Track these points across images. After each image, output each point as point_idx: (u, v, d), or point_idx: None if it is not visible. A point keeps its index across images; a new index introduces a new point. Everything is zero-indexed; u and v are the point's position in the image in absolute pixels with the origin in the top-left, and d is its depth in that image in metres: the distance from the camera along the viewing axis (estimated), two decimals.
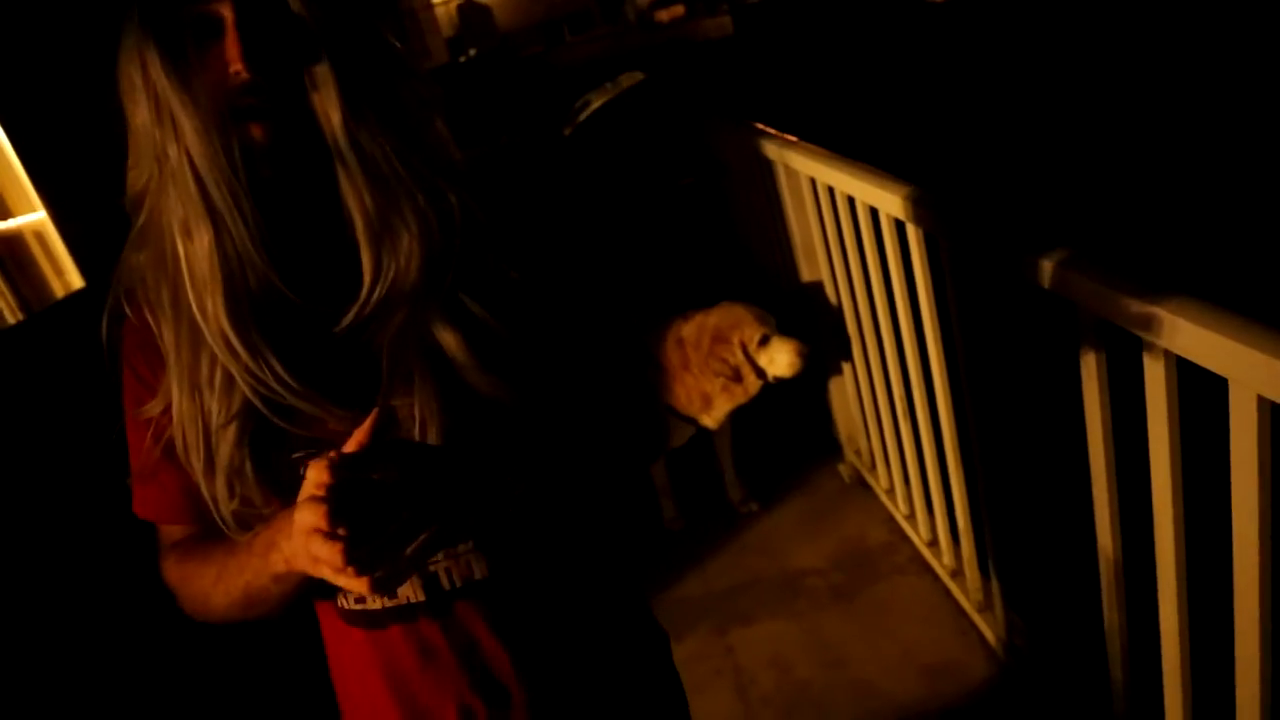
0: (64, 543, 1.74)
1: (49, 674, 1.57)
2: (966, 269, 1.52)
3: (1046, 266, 1.17)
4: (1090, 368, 1.19)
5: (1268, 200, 3.00)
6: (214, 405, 0.74)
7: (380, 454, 0.65)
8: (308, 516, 0.62)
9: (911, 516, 2.16)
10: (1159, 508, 1.10)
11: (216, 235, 0.71)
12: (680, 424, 2.31)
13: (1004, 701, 1.74)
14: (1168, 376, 1.02)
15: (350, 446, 0.64)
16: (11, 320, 2.82)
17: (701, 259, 3.08)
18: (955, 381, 1.65)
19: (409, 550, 0.64)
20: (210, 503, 0.76)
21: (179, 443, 0.76)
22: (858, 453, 2.48)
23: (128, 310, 0.79)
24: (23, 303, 3.11)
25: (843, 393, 2.44)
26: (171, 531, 0.86)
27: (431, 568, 0.80)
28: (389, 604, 0.81)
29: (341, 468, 0.62)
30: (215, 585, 0.78)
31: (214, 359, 0.73)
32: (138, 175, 0.75)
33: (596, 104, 3.41)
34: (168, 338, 0.76)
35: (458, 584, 0.80)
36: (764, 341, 2.18)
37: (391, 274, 0.74)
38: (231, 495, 0.75)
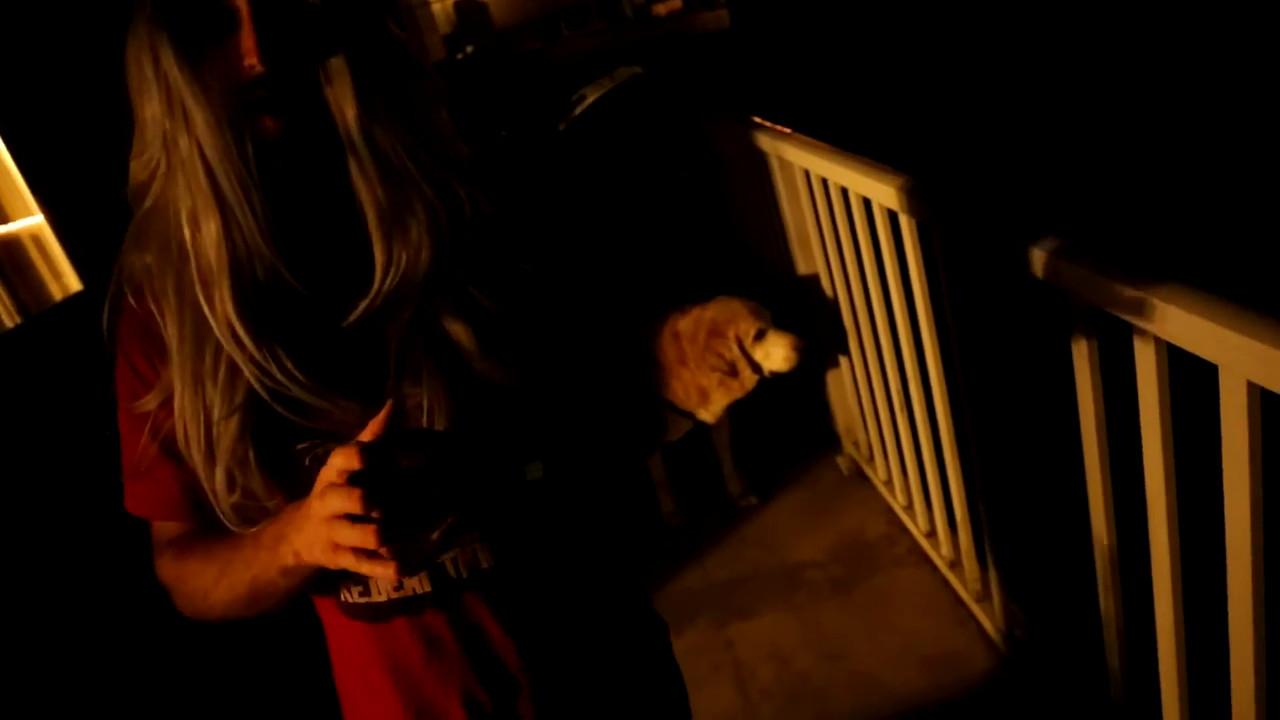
0: (62, 544, 1.75)
1: (43, 676, 1.57)
2: (960, 259, 1.52)
3: (1037, 255, 1.17)
4: (1082, 356, 1.18)
5: (1256, 188, 2.99)
6: (217, 397, 0.73)
7: (405, 440, 0.65)
8: (335, 502, 0.62)
9: (910, 508, 2.16)
10: (1152, 495, 1.10)
11: (225, 226, 0.71)
12: (677, 418, 2.31)
13: (1003, 691, 1.74)
14: (1159, 363, 1.01)
15: (366, 437, 0.64)
16: (9, 324, 2.82)
17: (698, 253, 3.07)
18: (950, 372, 1.65)
19: (437, 533, 0.64)
20: (211, 496, 0.76)
21: (180, 435, 0.75)
22: (856, 445, 2.48)
23: (130, 300, 0.78)
24: (20, 306, 3.12)
25: (840, 385, 2.43)
26: (166, 528, 0.85)
27: (439, 557, 0.80)
28: (394, 596, 0.81)
29: (373, 453, 0.62)
30: (218, 581, 0.78)
31: (218, 350, 0.73)
32: (142, 164, 0.74)
33: (591, 98, 3.41)
34: (171, 328, 0.75)
35: (464, 574, 0.80)
36: (760, 336, 2.18)
37: (403, 266, 0.74)
38: (232, 488, 0.75)
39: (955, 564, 1.96)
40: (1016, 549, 1.73)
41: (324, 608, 0.87)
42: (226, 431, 0.74)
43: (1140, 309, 0.98)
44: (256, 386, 0.73)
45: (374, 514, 0.61)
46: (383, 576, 0.64)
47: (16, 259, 3.31)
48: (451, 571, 0.80)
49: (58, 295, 3.26)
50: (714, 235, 3.13)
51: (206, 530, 0.81)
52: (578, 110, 3.44)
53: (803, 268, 2.37)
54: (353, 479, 0.62)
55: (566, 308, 0.83)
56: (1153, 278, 0.98)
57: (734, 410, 2.38)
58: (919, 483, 2.02)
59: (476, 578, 0.81)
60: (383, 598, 0.81)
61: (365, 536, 0.62)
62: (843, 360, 2.33)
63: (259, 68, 0.68)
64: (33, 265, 3.39)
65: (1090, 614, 1.38)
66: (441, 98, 0.78)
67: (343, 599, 0.83)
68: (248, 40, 0.68)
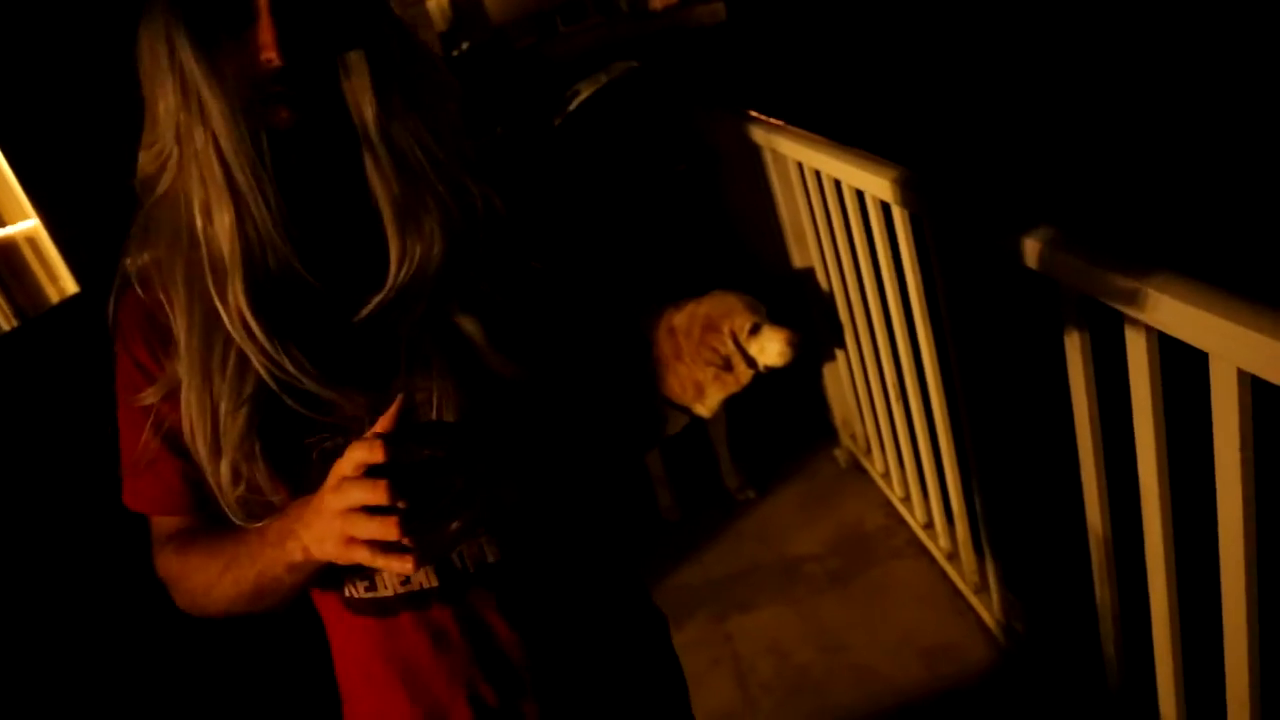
0: (59, 547, 1.75)
1: (38, 674, 1.57)
2: (953, 250, 1.51)
3: (1028, 245, 1.16)
4: (1074, 345, 1.18)
5: (1245, 177, 2.99)
6: (225, 389, 0.73)
7: (424, 433, 0.66)
8: (355, 495, 0.62)
9: (907, 500, 2.15)
10: (1145, 483, 1.09)
11: (238, 218, 0.71)
12: (674, 413, 2.31)
13: (1002, 681, 1.74)
14: (1149, 351, 1.01)
15: (378, 431, 0.64)
16: (6, 327, 2.82)
17: (694, 246, 3.07)
18: (945, 363, 1.65)
19: (456, 524, 0.65)
20: (215, 490, 0.75)
21: (186, 428, 0.75)
22: (853, 437, 2.48)
23: (138, 289, 0.77)
24: (17, 310, 3.12)
25: (837, 378, 2.43)
26: (166, 523, 0.84)
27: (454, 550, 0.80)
28: (401, 591, 0.80)
29: (395, 445, 0.62)
30: (221, 577, 0.77)
31: (228, 342, 0.73)
32: (153, 156, 0.74)
33: (586, 93, 3.40)
34: (180, 320, 0.74)
35: (470, 568, 0.80)
36: (755, 330, 2.17)
37: (416, 261, 0.74)
38: (237, 482, 0.75)
39: (953, 555, 1.96)
40: (1014, 540, 1.72)
41: (326, 603, 0.86)
42: (234, 424, 0.73)
43: (1130, 297, 0.98)
44: (266, 379, 0.72)
45: (400, 504, 0.62)
46: (398, 570, 0.64)
47: (12, 262, 3.31)
48: (458, 565, 0.80)
49: (54, 298, 3.27)
50: (710, 229, 3.13)
51: (207, 525, 0.80)
52: (572, 105, 3.43)
53: (798, 261, 2.37)
54: (375, 471, 0.62)
55: (570, 303, 0.83)
56: (1143, 266, 0.98)
57: (731, 404, 2.37)
58: (916, 475, 2.02)
59: (482, 572, 0.81)
60: (389, 593, 0.81)
61: (386, 529, 0.62)
62: (839, 353, 2.33)
63: (277, 61, 0.67)
64: (29, 268, 3.39)
65: (1087, 604, 1.38)
66: (453, 93, 0.78)
67: (347, 594, 0.82)
68: (266, 34, 0.67)
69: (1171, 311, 0.93)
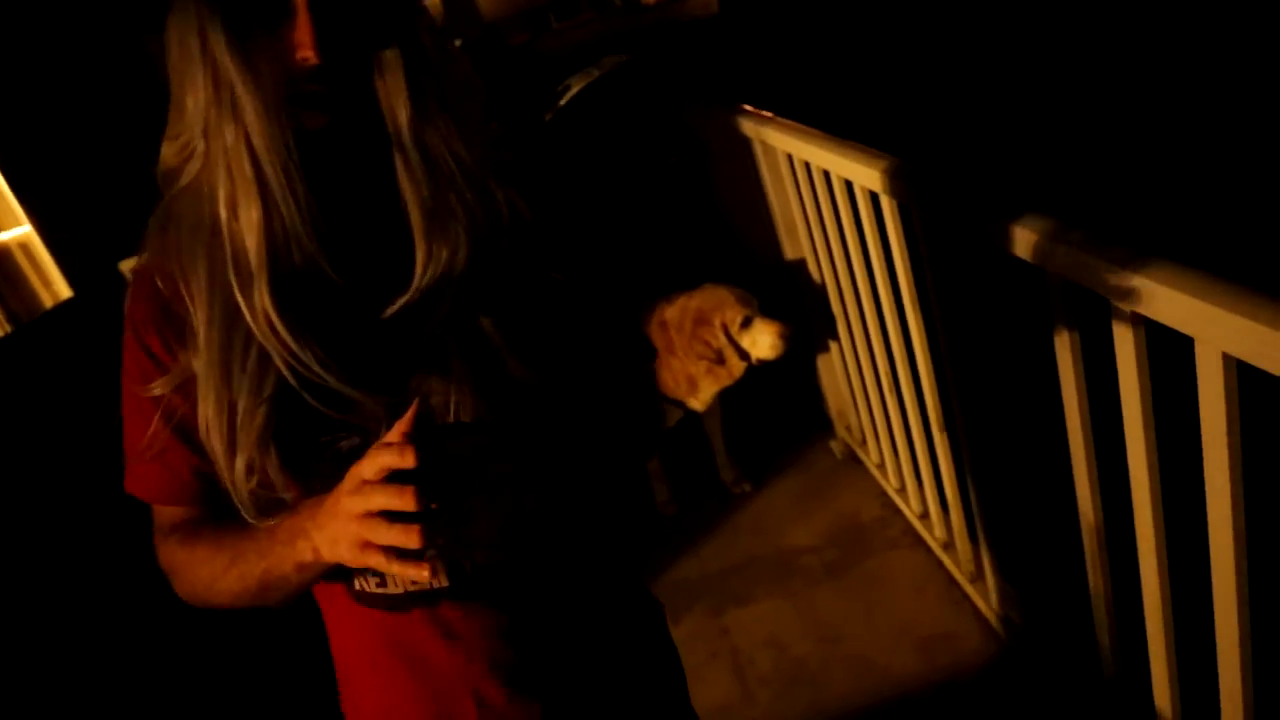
0: (54, 548, 1.75)
1: (32, 672, 1.57)
2: (942, 240, 1.51)
3: (1014, 233, 1.16)
4: (1062, 332, 1.18)
5: (1231, 164, 2.98)
6: (245, 386, 0.72)
7: (447, 438, 0.64)
8: (378, 499, 0.62)
9: (902, 490, 2.15)
10: (1134, 469, 1.09)
11: (266, 215, 0.70)
12: (668, 407, 2.30)
13: (998, 670, 1.74)
14: (1136, 338, 1.01)
15: (394, 437, 0.63)
16: (0, 333, 2.82)
17: (686, 239, 3.06)
18: (936, 353, 1.64)
19: (478, 533, 0.64)
20: (229, 485, 0.74)
21: (201, 423, 0.74)
22: (848, 428, 2.47)
23: (157, 281, 0.76)
24: (11, 315, 3.12)
25: (831, 369, 2.42)
26: (170, 513, 0.83)
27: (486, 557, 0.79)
28: (412, 588, 0.80)
29: (425, 452, 0.61)
30: (227, 571, 0.77)
31: (248, 338, 0.72)
32: (177, 148, 0.73)
33: (577, 88, 3.39)
34: (200, 313, 0.73)
35: (481, 568, 0.80)
36: (746, 324, 2.17)
37: (441, 264, 0.74)
38: (250, 477, 0.74)
39: (948, 545, 1.96)
40: (1009, 529, 1.72)
41: (329, 594, 0.85)
42: (252, 422, 0.73)
43: (1115, 284, 0.98)
44: (288, 375, 0.72)
45: (432, 507, 0.61)
46: (415, 577, 0.63)
47: (6, 269, 3.31)
48: (468, 567, 0.80)
49: (48, 303, 3.26)
50: (702, 222, 3.12)
51: (212, 518, 0.80)
52: (563, 100, 3.42)
53: (790, 253, 2.36)
54: (401, 477, 0.61)
55: (581, 308, 0.84)
56: (1127, 252, 0.98)
57: (725, 397, 2.37)
58: (910, 465, 2.02)
59: (492, 571, 0.81)
60: (399, 590, 0.81)
61: (409, 536, 0.61)
62: (833, 344, 2.32)
63: (313, 60, 0.66)
64: (23, 274, 3.40)
65: (1082, 592, 1.37)
66: (480, 96, 0.78)
67: (358, 588, 0.82)
68: (303, 32, 0.66)
69: (1156, 297, 0.93)
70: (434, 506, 0.61)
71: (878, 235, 1.67)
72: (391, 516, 0.62)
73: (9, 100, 2.56)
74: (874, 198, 1.63)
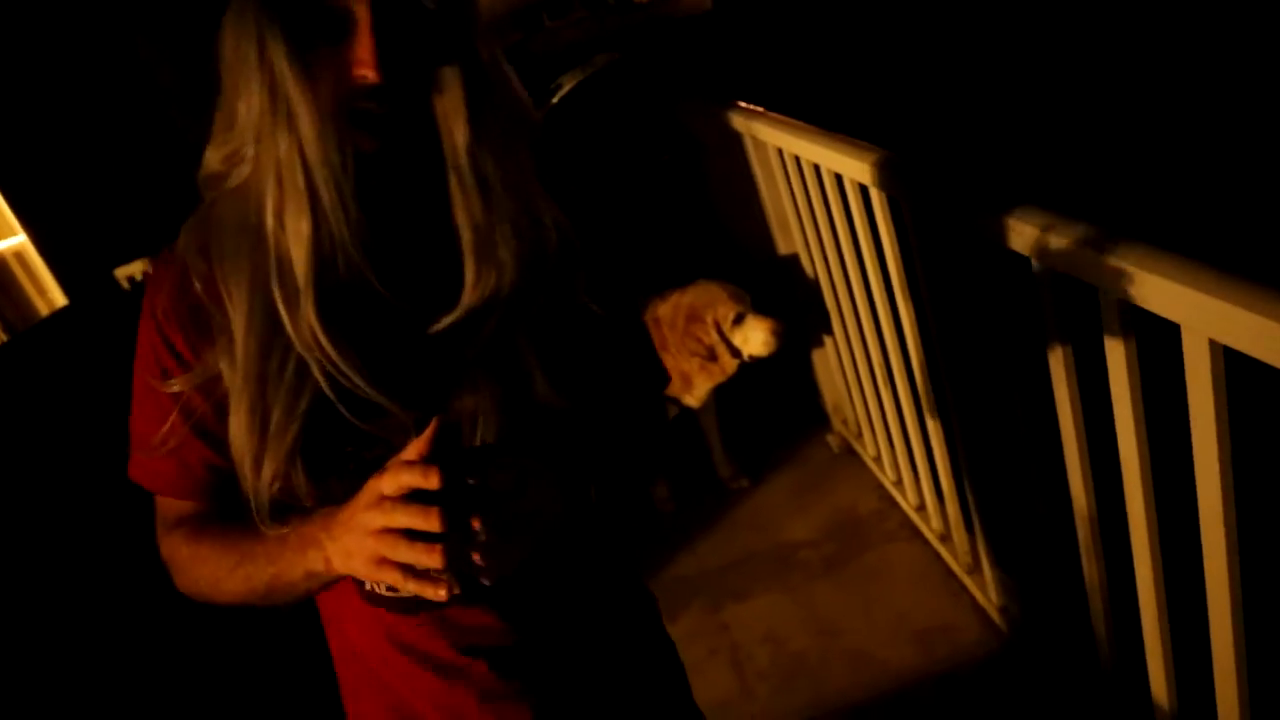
0: (50, 558, 1.75)
1: (25, 685, 1.57)
2: (931, 231, 1.50)
3: (1001, 223, 1.16)
4: (1051, 321, 1.17)
5: (1214, 151, 2.98)
6: (280, 399, 0.72)
7: (473, 460, 0.64)
8: (400, 517, 0.61)
9: (899, 483, 2.15)
10: (1125, 456, 1.09)
11: (315, 229, 0.69)
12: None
13: (996, 661, 1.74)
14: (1123, 324, 1.01)
15: (411, 455, 0.63)
16: None
17: (680, 236, 3.05)
18: (928, 345, 1.64)
19: (499, 556, 0.64)
20: (249, 490, 0.74)
21: (233, 431, 0.73)
22: (844, 422, 2.47)
23: (194, 280, 0.75)
24: (7, 324, 3.12)
25: (826, 363, 2.42)
26: (177, 505, 0.83)
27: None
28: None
29: (450, 474, 0.61)
30: (234, 571, 0.76)
31: (287, 349, 0.71)
32: (224, 155, 0.73)
33: (568, 86, 3.38)
34: (237, 320, 0.72)
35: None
36: (738, 320, 2.17)
37: (489, 288, 0.73)
38: (274, 485, 0.73)
39: (945, 537, 1.95)
40: (1004, 520, 1.72)
41: (341, 594, 0.84)
42: (284, 433, 0.72)
43: (1102, 271, 0.97)
44: (325, 387, 0.71)
45: (474, 524, 0.61)
46: (431, 597, 0.63)
47: (2, 278, 3.32)
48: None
49: (44, 311, 3.27)
50: (696, 218, 3.12)
51: (220, 515, 0.80)
52: (555, 99, 3.41)
53: (783, 248, 2.36)
54: (425, 497, 0.61)
55: (605, 330, 0.84)
56: (1114, 240, 0.97)
57: (721, 393, 2.37)
58: (906, 457, 2.01)
59: (502, 580, 0.81)
60: (410, 593, 0.81)
61: (431, 557, 0.61)
62: (827, 338, 2.32)
63: (374, 79, 0.65)
64: (18, 283, 3.40)
65: (1079, 582, 1.37)
66: (530, 111, 0.77)
67: (368, 588, 0.82)
68: (365, 50, 0.65)
69: (1142, 284, 0.93)
70: (475, 524, 0.61)
71: (868, 228, 1.67)
72: (410, 535, 0.61)
73: (1, 110, 2.56)
74: (864, 191, 1.63)
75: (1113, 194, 2.82)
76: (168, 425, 0.76)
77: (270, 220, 0.71)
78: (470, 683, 0.83)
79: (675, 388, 2.27)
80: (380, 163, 0.70)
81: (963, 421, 1.65)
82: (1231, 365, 0.88)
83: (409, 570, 0.62)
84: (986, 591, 1.80)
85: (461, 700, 0.84)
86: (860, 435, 2.37)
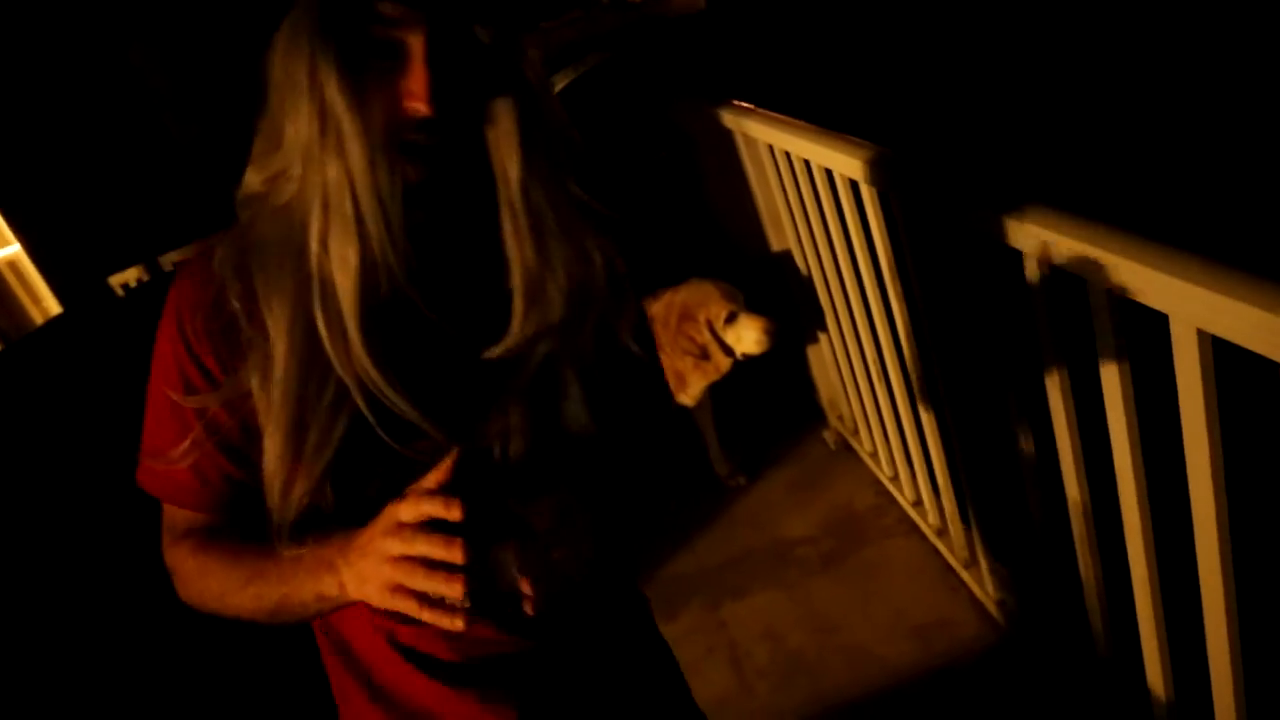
0: (49, 566, 1.75)
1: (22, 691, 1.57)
2: (922, 226, 1.50)
3: (990, 217, 1.16)
4: (1042, 314, 1.17)
5: (1202, 142, 2.98)
6: (319, 420, 0.71)
7: (493, 489, 0.63)
8: (420, 546, 0.61)
9: (896, 478, 2.15)
10: (1117, 447, 1.09)
11: (362, 257, 0.68)
12: None
13: (994, 655, 1.74)
14: (1112, 315, 1.01)
15: (430, 483, 0.63)
16: None
17: (675, 234, 3.05)
18: (921, 339, 1.64)
19: (515, 586, 0.63)
20: (274, 510, 0.73)
21: (270, 448, 0.72)
22: (840, 418, 2.47)
23: (230, 298, 0.73)
24: (1, 333, 3.13)
25: (821, 359, 2.42)
26: (188, 516, 0.82)
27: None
28: None
29: (472, 506, 0.60)
30: (244, 588, 0.76)
31: (326, 372, 0.71)
32: (266, 177, 0.72)
33: (560, 85, 3.38)
34: (279, 343, 0.71)
35: None
36: (731, 319, 2.17)
37: (538, 323, 0.73)
38: (300, 506, 0.73)
39: (943, 532, 1.95)
40: (1000, 514, 1.72)
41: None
42: (319, 457, 0.71)
43: (1089, 262, 0.98)
44: (365, 410, 0.70)
45: (514, 565, 0.61)
46: (446, 627, 0.62)
47: None
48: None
49: (39, 319, 3.26)
50: (691, 217, 3.12)
51: (230, 528, 0.79)
52: None
53: (776, 244, 2.36)
54: (447, 527, 0.60)
55: (636, 366, 0.84)
56: (1101, 231, 0.98)
57: (717, 390, 2.37)
58: (903, 453, 2.01)
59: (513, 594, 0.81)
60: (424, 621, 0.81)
61: (452, 588, 0.60)
62: (821, 334, 2.32)
63: (426, 112, 0.65)
64: (12, 293, 3.40)
65: (1075, 574, 1.37)
66: (575, 140, 0.76)
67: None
68: (418, 83, 0.65)
69: (1130, 274, 0.93)
70: (516, 563, 0.62)
71: (859, 223, 1.67)
72: (428, 564, 0.61)
73: None
74: (854, 186, 1.63)
75: (1101, 187, 2.83)
76: (189, 440, 0.75)
77: (314, 245, 0.70)
78: (470, 685, 0.83)
79: (669, 386, 2.27)
80: (428, 191, 0.70)
81: (957, 416, 1.65)
82: (1221, 355, 0.88)
83: (424, 599, 0.62)
84: (984, 585, 1.80)
85: (461, 702, 0.83)
86: (856, 431, 2.37)
